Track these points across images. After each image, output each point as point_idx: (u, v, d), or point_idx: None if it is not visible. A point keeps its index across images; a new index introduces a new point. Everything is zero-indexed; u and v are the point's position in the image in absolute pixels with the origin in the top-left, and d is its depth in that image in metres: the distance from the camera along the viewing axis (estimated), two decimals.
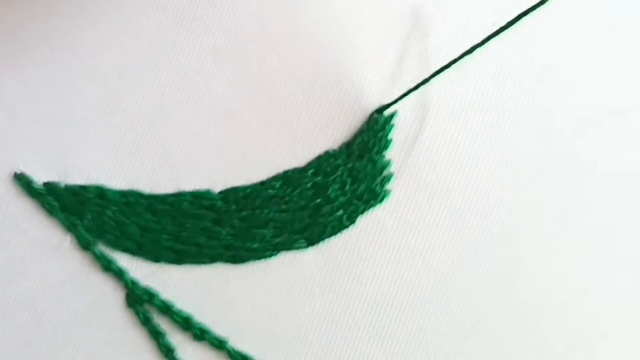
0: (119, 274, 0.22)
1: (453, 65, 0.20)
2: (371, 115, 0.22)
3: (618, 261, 0.23)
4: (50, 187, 0.22)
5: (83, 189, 0.22)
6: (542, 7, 0.18)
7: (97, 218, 0.22)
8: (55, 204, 0.22)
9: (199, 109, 0.23)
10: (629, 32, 0.23)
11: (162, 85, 0.23)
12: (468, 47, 0.20)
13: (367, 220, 0.22)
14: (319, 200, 0.22)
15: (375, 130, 0.22)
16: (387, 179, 0.22)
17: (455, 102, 0.23)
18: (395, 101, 0.21)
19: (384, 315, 0.22)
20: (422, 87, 0.21)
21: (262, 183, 0.22)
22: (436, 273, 0.22)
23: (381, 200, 0.22)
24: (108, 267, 0.22)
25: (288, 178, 0.22)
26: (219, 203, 0.22)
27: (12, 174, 0.22)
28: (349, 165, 0.22)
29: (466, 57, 0.20)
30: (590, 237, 0.23)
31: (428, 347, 0.22)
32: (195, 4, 0.23)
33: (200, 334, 0.22)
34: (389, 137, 0.22)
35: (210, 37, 0.23)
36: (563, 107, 0.23)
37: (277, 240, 0.22)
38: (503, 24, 0.19)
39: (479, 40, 0.19)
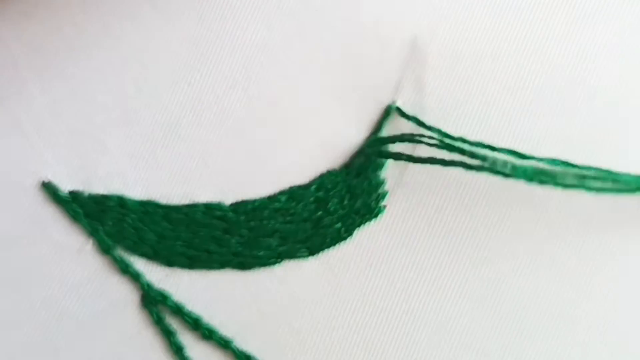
0: (135, 277, 0.24)
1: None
2: (368, 139, 0.24)
3: (606, 279, 0.24)
4: (75, 195, 0.24)
5: (105, 197, 0.24)
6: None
7: (117, 224, 0.24)
8: (79, 210, 0.24)
9: (212, 126, 0.25)
10: None
11: (178, 103, 0.25)
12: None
13: (363, 234, 0.24)
14: (320, 213, 0.24)
15: (371, 151, 0.24)
16: (382, 196, 0.24)
17: (448, 125, 0.25)
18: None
19: (376, 324, 0.24)
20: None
21: (270, 197, 0.24)
22: (426, 286, 0.24)
23: (376, 216, 0.24)
24: (126, 270, 0.24)
25: (293, 193, 0.24)
26: (230, 214, 0.24)
27: (40, 182, 0.24)
28: (348, 182, 0.24)
29: None
30: (580, 258, 0.24)
31: (417, 357, 0.24)
32: (209, 30, 0.25)
33: (208, 334, 0.24)
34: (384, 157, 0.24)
35: (222, 61, 0.25)
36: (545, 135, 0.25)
37: (282, 249, 0.24)
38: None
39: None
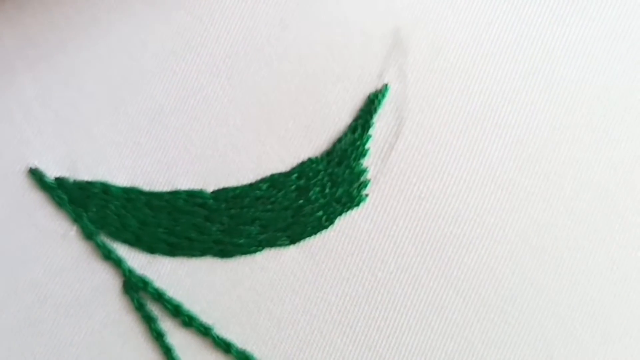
0: (117, 263, 0.24)
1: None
2: (350, 126, 0.24)
3: (586, 267, 0.24)
4: (60, 181, 0.25)
5: (89, 184, 0.25)
6: None
7: (101, 211, 0.25)
8: (64, 197, 0.25)
9: (196, 115, 0.25)
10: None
11: (163, 91, 0.25)
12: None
13: (345, 223, 0.24)
14: (301, 202, 0.24)
15: (353, 139, 0.24)
16: (364, 184, 0.24)
17: (430, 115, 0.24)
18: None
19: (357, 312, 0.24)
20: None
21: (251, 185, 0.25)
22: (407, 274, 0.24)
23: (358, 204, 0.24)
24: (108, 255, 0.24)
25: (274, 181, 0.24)
26: (211, 201, 0.24)
27: (27, 168, 0.25)
28: (329, 170, 0.24)
29: None
30: (559, 244, 0.24)
31: (398, 345, 0.24)
32: (195, 19, 0.25)
33: (188, 321, 0.24)
34: (366, 146, 0.24)
35: (207, 50, 0.25)
36: (535, 121, 0.24)
37: (262, 237, 0.24)
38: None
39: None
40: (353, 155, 0.24)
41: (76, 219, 0.25)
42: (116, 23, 0.25)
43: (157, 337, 0.24)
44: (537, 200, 0.24)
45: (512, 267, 0.24)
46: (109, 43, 0.25)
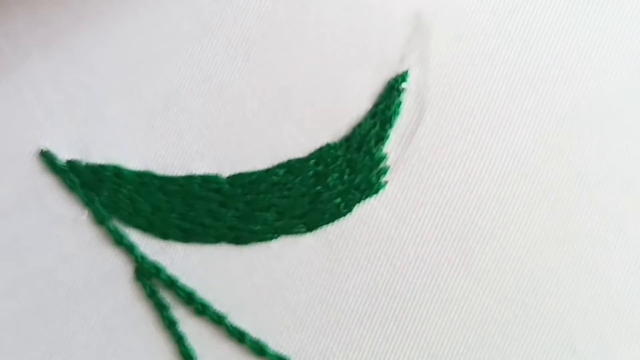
0: (129, 249, 0.24)
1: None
2: (370, 112, 0.24)
3: (608, 259, 0.23)
4: (72, 164, 0.24)
5: (102, 167, 0.24)
6: None
7: (113, 195, 0.24)
8: (76, 180, 0.24)
9: (212, 98, 0.24)
10: None
11: (178, 74, 0.24)
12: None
13: (363, 210, 0.24)
14: (318, 188, 0.24)
15: (373, 125, 0.24)
16: (384, 171, 0.24)
17: (452, 102, 0.24)
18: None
19: (375, 302, 0.24)
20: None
21: (267, 170, 0.24)
22: (427, 264, 0.24)
23: (377, 191, 0.24)
24: (120, 241, 0.24)
25: (291, 166, 0.24)
26: (226, 187, 0.24)
27: (39, 151, 0.24)
28: (348, 156, 0.24)
29: None
30: (582, 235, 0.23)
31: (416, 336, 0.23)
32: (212, 2, 0.24)
33: (201, 309, 0.24)
34: (387, 132, 0.24)
35: (223, 32, 0.24)
36: (560, 109, 0.24)
37: (278, 224, 0.24)
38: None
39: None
40: (373, 141, 0.24)
41: (88, 203, 0.24)
42: (131, 3, 0.25)
43: (169, 325, 0.24)
44: (562, 190, 0.24)
45: (534, 258, 0.23)
46: (123, 24, 0.25)
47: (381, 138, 0.24)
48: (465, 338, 0.23)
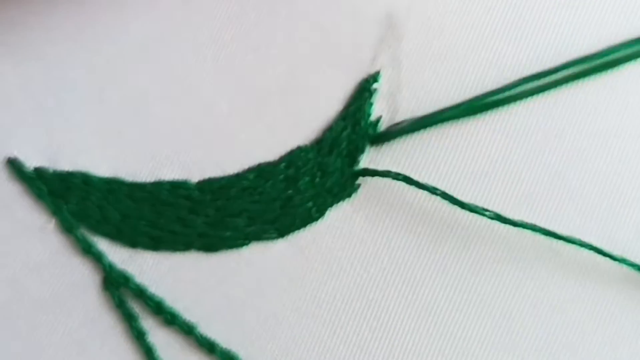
0: (97, 257, 0.23)
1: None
2: (341, 114, 0.23)
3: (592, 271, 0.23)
4: (39, 172, 0.24)
5: (70, 174, 0.24)
6: None
7: (81, 203, 0.24)
8: (44, 188, 0.24)
9: (180, 103, 0.24)
10: None
11: (147, 79, 0.24)
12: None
13: (336, 215, 0.23)
14: (290, 192, 0.23)
15: (344, 127, 0.23)
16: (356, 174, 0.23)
17: (425, 103, 0.23)
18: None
19: (348, 310, 0.23)
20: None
21: (237, 175, 0.23)
22: (402, 270, 0.23)
23: (349, 195, 0.23)
24: (88, 250, 0.23)
25: (262, 170, 0.23)
26: (196, 193, 0.23)
27: (6, 158, 0.24)
28: (319, 159, 0.23)
29: None
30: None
31: (391, 345, 0.22)
32: (180, 6, 0.24)
33: (170, 319, 0.23)
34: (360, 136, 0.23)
35: (193, 36, 0.24)
36: (537, 110, 0.23)
37: (249, 229, 0.23)
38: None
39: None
40: (344, 144, 0.23)
41: (55, 211, 0.24)
42: (99, 9, 0.24)
43: (138, 336, 0.23)
44: (541, 193, 0.23)
45: (513, 263, 0.23)
46: (92, 30, 0.24)
47: (353, 140, 0.23)
48: (441, 347, 0.22)
